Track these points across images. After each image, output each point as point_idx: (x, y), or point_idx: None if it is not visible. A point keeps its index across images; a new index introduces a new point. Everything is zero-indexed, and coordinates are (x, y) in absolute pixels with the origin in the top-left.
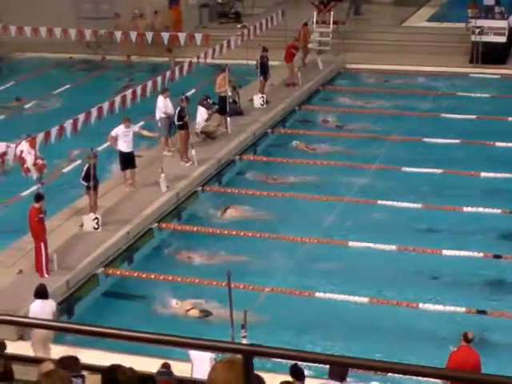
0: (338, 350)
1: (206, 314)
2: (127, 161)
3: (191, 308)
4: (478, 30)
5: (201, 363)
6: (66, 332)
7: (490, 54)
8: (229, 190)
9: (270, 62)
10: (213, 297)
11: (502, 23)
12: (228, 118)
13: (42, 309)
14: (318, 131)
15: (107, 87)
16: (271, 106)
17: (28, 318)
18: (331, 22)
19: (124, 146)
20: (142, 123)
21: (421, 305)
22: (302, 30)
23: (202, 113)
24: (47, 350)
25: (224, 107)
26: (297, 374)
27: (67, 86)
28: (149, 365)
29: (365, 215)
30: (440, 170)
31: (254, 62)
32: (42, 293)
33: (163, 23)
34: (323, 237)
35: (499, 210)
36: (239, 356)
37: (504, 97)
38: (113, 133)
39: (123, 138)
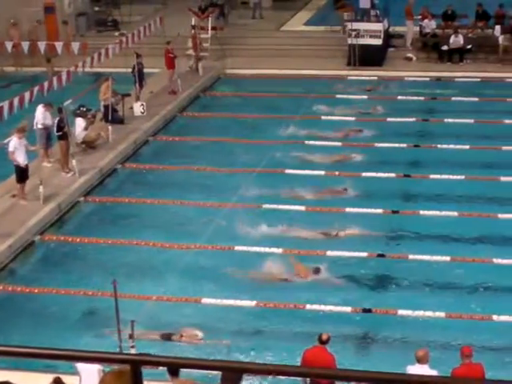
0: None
1: None
2: (25, 174)
3: None
4: (354, 33)
5: (89, 375)
6: None
7: (367, 57)
8: (111, 199)
9: (151, 70)
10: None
11: (378, 26)
12: (110, 127)
13: None
14: (197, 137)
15: None
16: (151, 113)
17: None
18: (209, 28)
19: (22, 158)
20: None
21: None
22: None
23: (79, 123)
24: None
25: (107, 115)
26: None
27: None
28: (38, 380)
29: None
30: (322, 172)
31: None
32: None
33: (39, 33)
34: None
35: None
36: (128, 366)
37: (381, 98)
38: (11, 148)
39: (21, 149)
